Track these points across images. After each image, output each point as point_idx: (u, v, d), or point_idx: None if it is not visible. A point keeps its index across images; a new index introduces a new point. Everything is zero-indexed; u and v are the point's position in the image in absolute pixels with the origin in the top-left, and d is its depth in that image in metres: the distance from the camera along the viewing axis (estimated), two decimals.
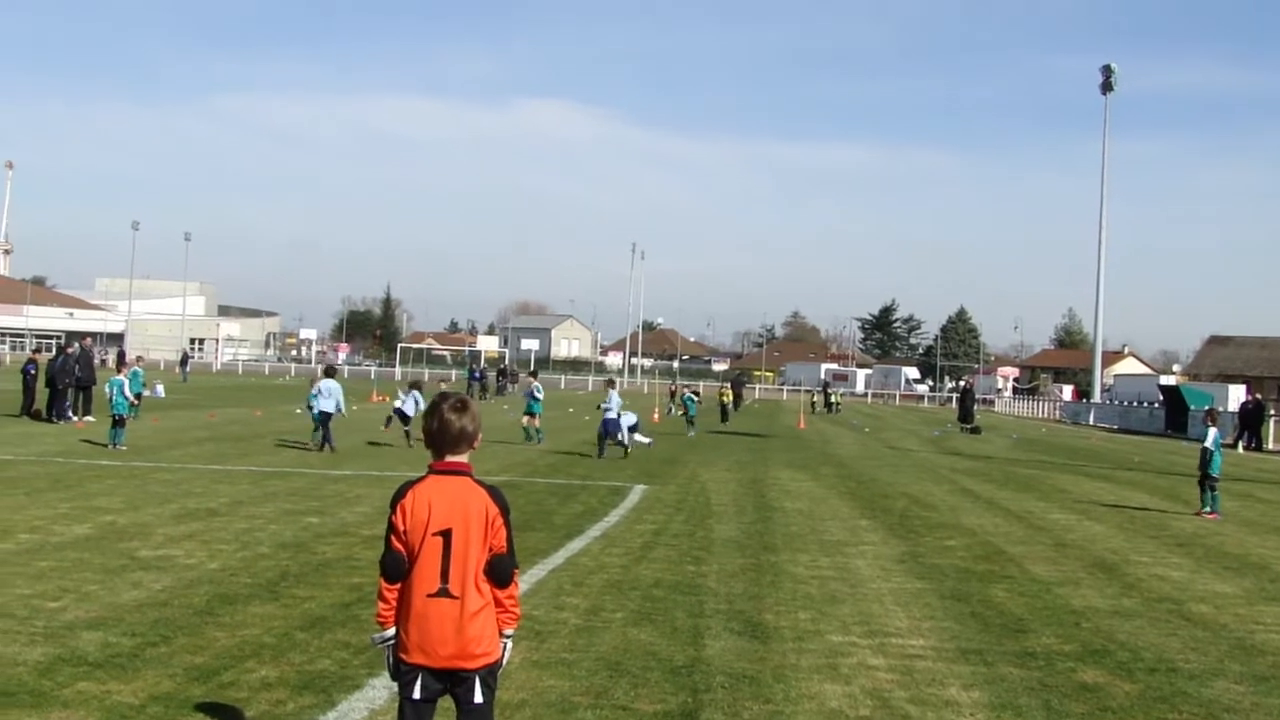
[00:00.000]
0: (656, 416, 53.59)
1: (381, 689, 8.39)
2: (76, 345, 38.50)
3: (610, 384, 34.37)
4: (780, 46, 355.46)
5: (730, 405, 57.70)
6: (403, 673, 5.74)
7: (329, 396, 29.90)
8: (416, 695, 5.73)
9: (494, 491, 5.90)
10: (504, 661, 5.94)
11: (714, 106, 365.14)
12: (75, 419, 35.23)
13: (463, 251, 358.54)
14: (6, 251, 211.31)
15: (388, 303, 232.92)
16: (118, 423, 27.74)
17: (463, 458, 5.90)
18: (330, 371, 32.40)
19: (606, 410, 32.14)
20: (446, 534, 5.68)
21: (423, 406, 30.93)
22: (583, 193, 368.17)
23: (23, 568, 12.68)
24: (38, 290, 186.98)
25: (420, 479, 5.85)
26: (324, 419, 29.74)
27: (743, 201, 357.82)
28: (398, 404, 32.63)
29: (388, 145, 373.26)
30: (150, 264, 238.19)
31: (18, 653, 9.24)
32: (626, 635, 10.68)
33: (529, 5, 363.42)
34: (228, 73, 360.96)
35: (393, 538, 5.75)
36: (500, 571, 5.85)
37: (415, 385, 33.49)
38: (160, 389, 53.55)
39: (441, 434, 5.88)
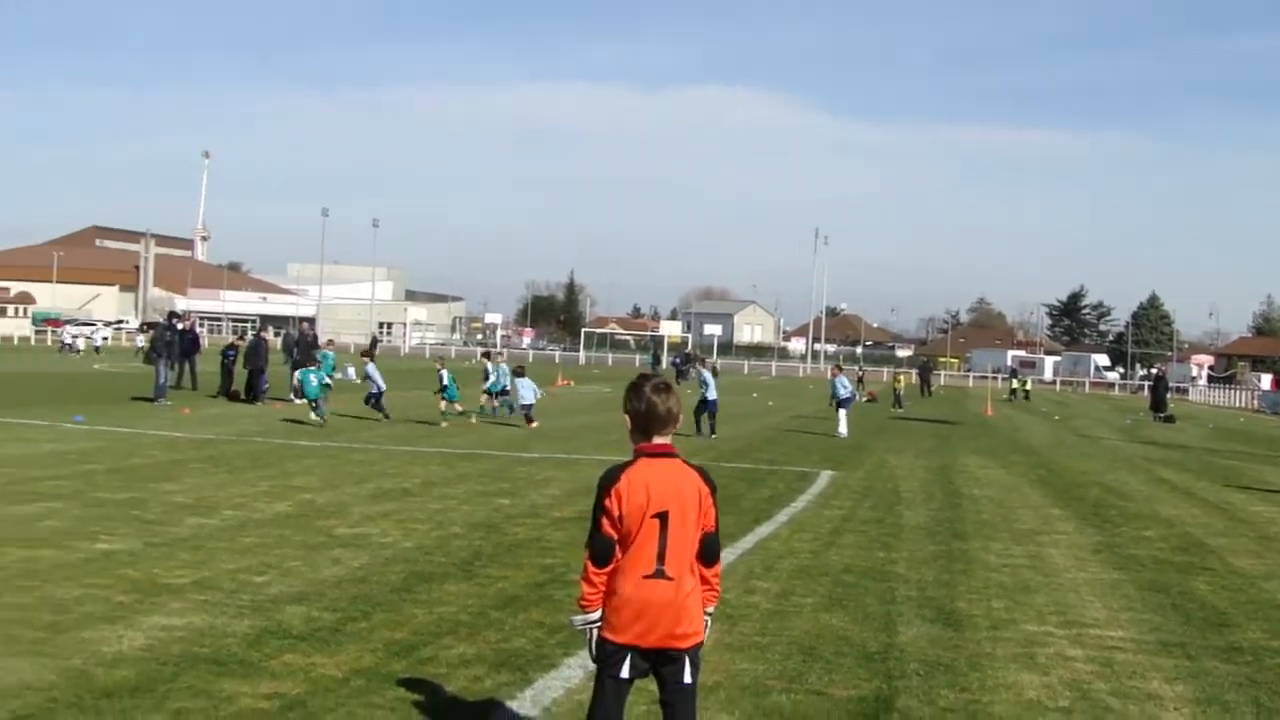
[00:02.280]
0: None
1: (577, 668, 8.47)
2: (298, 329, 39.92)
3: (712, 370, 35.38)
4: (965, 32, 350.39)
5: (903, 392, 57.14)
6: (610, 652, 5.77)
7: (527, 388, 32.47)
8: (625, 674, 5.76)
9: (703, 471, 5.92)
10: (705, 640, 5.97)
11: (900, 92, 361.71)
12: (293, 400, 36.33)
13: (646, 237, 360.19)
14: (204, 238, 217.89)
15: (571, 288, 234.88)
16: (314, 406, 29.24)
17: (668, 439, 5.92)
18: (520, 371, 34.36)
19: (705, 390, 32.58)
20: (663, 516, 5.69)
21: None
22: (766, 178, 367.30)
23: (228, 543, 13.08)
24: (233, 276, 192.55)
25: (631, 463, 5.83)
26: (525, 407, 32.28)
27: (928, 187, 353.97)
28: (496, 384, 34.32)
29: (573, 132, 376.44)
30: (340, 249, 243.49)
31: (226, 624, 9.53)
32: (818, 620, 10.64)
33: None
34: (414, 63, 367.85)
35: (604, 521, 5.73)
36: (711, 550, 5.89)
37: (519, 371, 34.34)
38: (351, 372, 54.63)
39: (649, 416, 5.88)
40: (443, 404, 31.76)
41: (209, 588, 10.82)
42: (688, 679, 5.82)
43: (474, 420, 32.92)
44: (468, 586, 11.42)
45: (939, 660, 9.44)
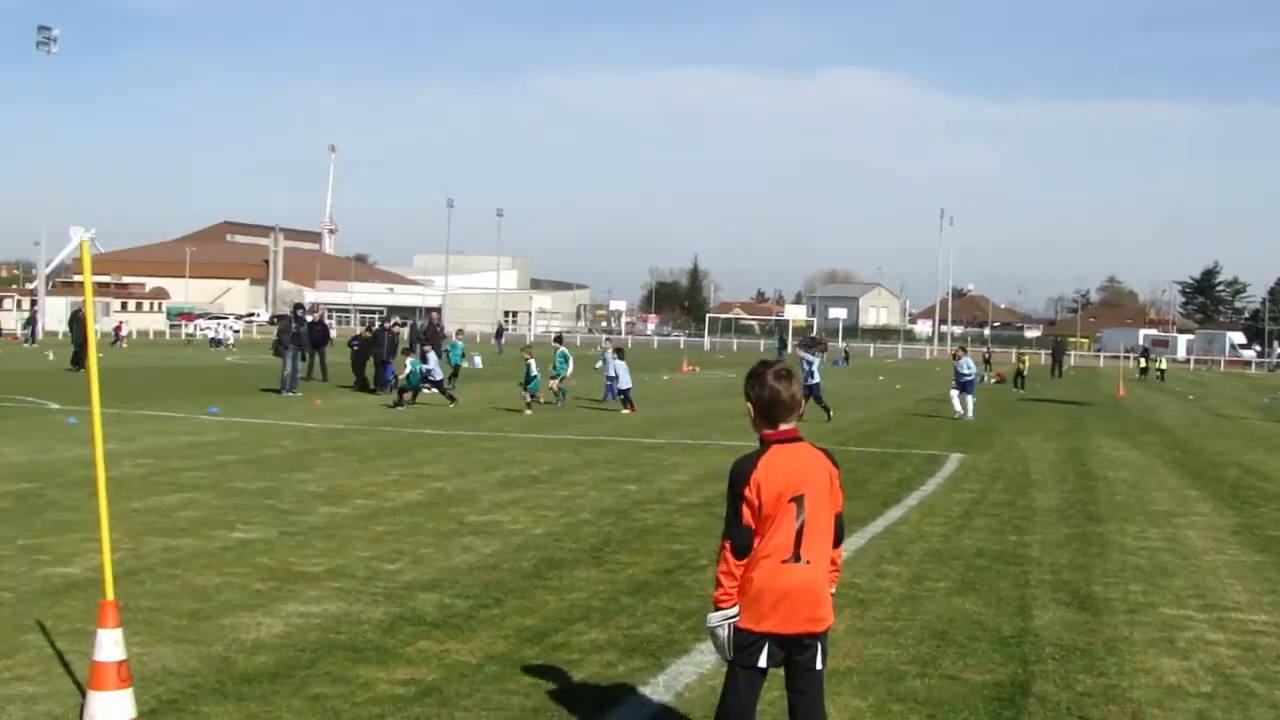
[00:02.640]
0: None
1: (709, 653, 8.44)
2: (425, 319, 40.60)
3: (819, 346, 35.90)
4: (1093, 6, 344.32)
5: (1026, 373, 56.34)
6: (748, 642, 5.72)
7: (624, 374, 32.82)
8: (763, 663, 5.73)
9: (830, 454, 5.91)
10: None
11: (1025, 69, 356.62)
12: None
13: (770, 221, 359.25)
14: (331, 231, 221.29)
15: (695, 273, 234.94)
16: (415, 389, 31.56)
17: (793, 424, 5.89)
18: (620, 353, 34.77)
19: (809, 375, 32.36)
20: (800, 500, 5.67)
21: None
22: (890, 160, 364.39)
23: (361, 531, 13.26)
24: (360, 268, 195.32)
25: (763, 451, 5.79)
26: (624, 392, 32.66)
27: (1055, 164, 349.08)
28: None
29: (694, 117, 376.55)
30: (465, 240, 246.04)
31: (361, 611, 9.66)
32: (951, 604, 10.53)
33: None
34: (537, 52, 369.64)
35: (745, 511, 5.67)
36: (839, 532, 5.90)
37: (619, 351, 34.70)
38: (479, 360, 55.19)
39: (773, 403, 5.84)
40: (526, 395, 31.44)
41: (343, 575, 10.97)
42: (819, 664, 5.80)
43: (560, 405, 33.05)
44: (598, 573, 11.46)
45: (1075, 645, 9.30)
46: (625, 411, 31.77)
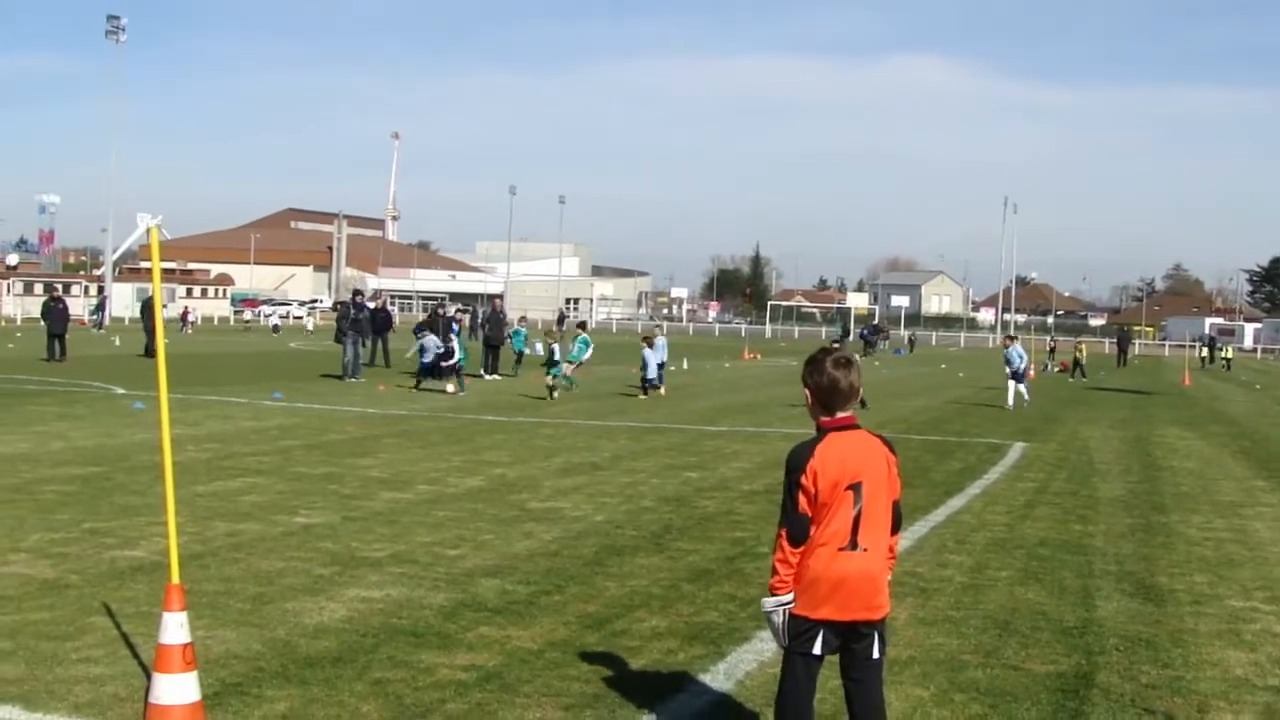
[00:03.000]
0: (1032, 373, 52.18)
1: (769, 641, 8.39)
2: (489, 305, 40.67)
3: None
4: None
5: (1084, 362, 55.76)
6: (804, 629, 5.71)
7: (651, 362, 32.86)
8: (818, 650, 5.72)
9: (887, 441, 5.90)
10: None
11: (1090, 54, 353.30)
12: (485, 376, 36.90)
13: (831, 208, 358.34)
14: (394, 218, 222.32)
15: (756, 260, 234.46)
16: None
17: (850, 413, 5.86)
18: (649, 341, 34.05)
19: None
20: (857, 488, 5.65)
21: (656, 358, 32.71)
22: (953, 147, 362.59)
23: (423, 517, 13.32)
24: (423, 254, 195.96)
25: (820, 438, 5.77)
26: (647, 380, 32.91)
27: (1119, 150, 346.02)
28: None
29: (756, 104, 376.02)
30: (527, 227, 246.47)
31: (423, 597, 9.71)
32: (1014, 594, 10.46)
33: None
34: (599, 37, 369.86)
35: (802, 498, 5.67)
36: (897, 519, 5.88)
37: (648, 340, 34.17)
38: (539, 347, 55.24)
39: (831, 390, 5.82)
40: (549, 379, 30.89)
41: (405, 561, 11.03)
42: (877, 653, 5.78)
43: (556, 394, 31.10)
44: (659, 560, 11.47)
45: (1140, 636, 9.22)
46: (642, 396, 32.08)
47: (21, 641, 8.11)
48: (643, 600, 9.84)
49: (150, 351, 43.24)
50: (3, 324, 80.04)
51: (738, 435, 23.30)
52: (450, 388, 30.85)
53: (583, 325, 39.68)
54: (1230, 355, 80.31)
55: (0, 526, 11.92)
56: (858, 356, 6.27)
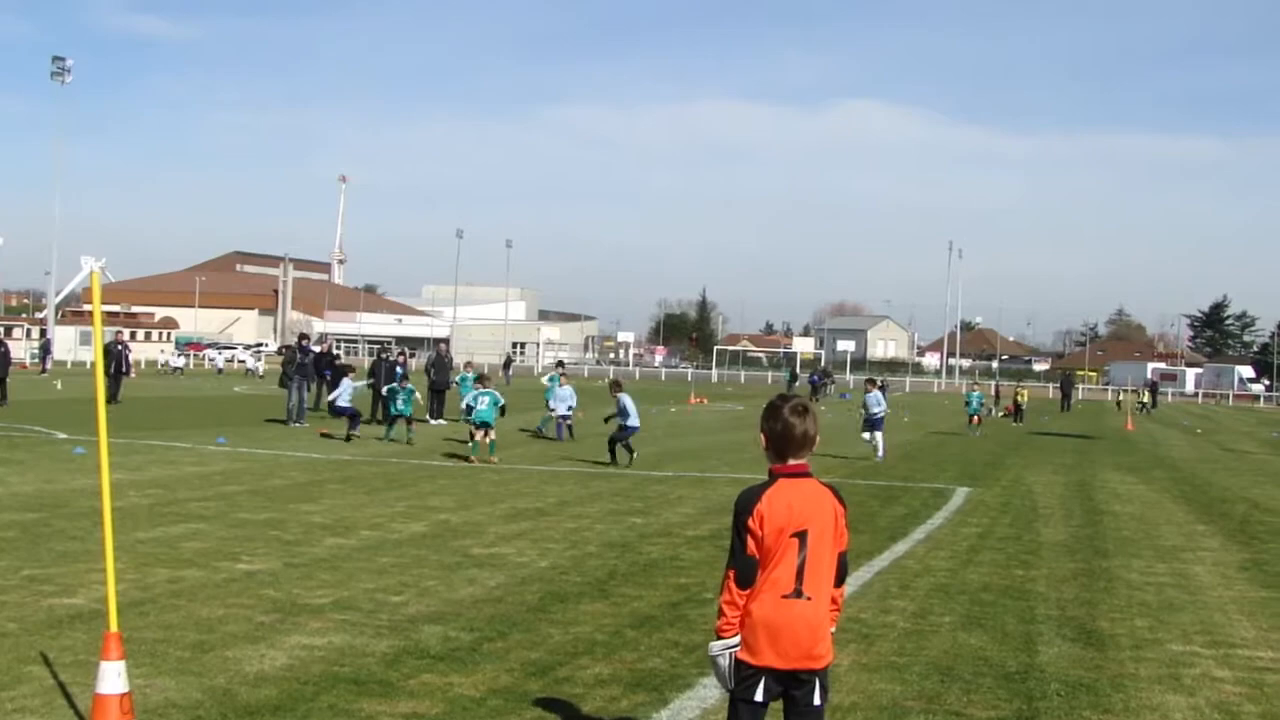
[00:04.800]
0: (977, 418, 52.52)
1: (713, 688, 8.42)
2: (434, 350, 40.57)
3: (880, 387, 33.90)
4: (1101, 39, 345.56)
5: (1025, 405, 56.12)
6: (746, 675, 5.73)
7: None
8: (759, 698, 5.73)
9: (836, 490, 5.93)
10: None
11: (1033, 103, 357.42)
12: (430, 421, 36.66)
13: (777, 254, 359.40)
14: (340, 261, 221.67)
15: (703, 305, 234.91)
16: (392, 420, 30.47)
17: (804, 460, 5.90)
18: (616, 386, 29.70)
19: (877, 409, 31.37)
20: (802, 536, 5.68)
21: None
22: (898, 192, 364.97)
23: (366, 563, 13.25)
24: (369, 297, 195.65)
25: (770, 483, 5.82)
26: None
27: (1062, 198, 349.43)
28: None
29: (701, 149, 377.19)
30: (473, 270, 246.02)
31: (365, 644, 9.65)
32: (956, 640, 10.50)
33: (847, 6, 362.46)
34: (546, 82, 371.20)
35: (749, 541, 5.70)
36: (842, 571, 5.89)
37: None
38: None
39: (786, 437, 5.86)
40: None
41: (348, 608, 10.96)
42: (818, 700, 5.78)
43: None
44: (603, 606, 11.45)
45: (1081, 681, 9.27)
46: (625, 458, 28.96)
47: None
48: (586, 647, 9.82)
49: (113, 396, 42.62)
50: None
51: (683, 480, 23.30)
52: (393, 434, 29.75)
53: (560, 364, 39.47)
54: (1146, 400, 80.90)
55: None
56: (814, 401, 6.30)
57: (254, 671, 8.72)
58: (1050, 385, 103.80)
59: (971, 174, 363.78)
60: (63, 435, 28.34)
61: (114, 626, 6.87)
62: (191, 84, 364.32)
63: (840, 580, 5.90)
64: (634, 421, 26.38)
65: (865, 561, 14.15)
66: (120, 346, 46.06)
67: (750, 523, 5.69)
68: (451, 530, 15.87)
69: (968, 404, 44.52)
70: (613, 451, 25.92)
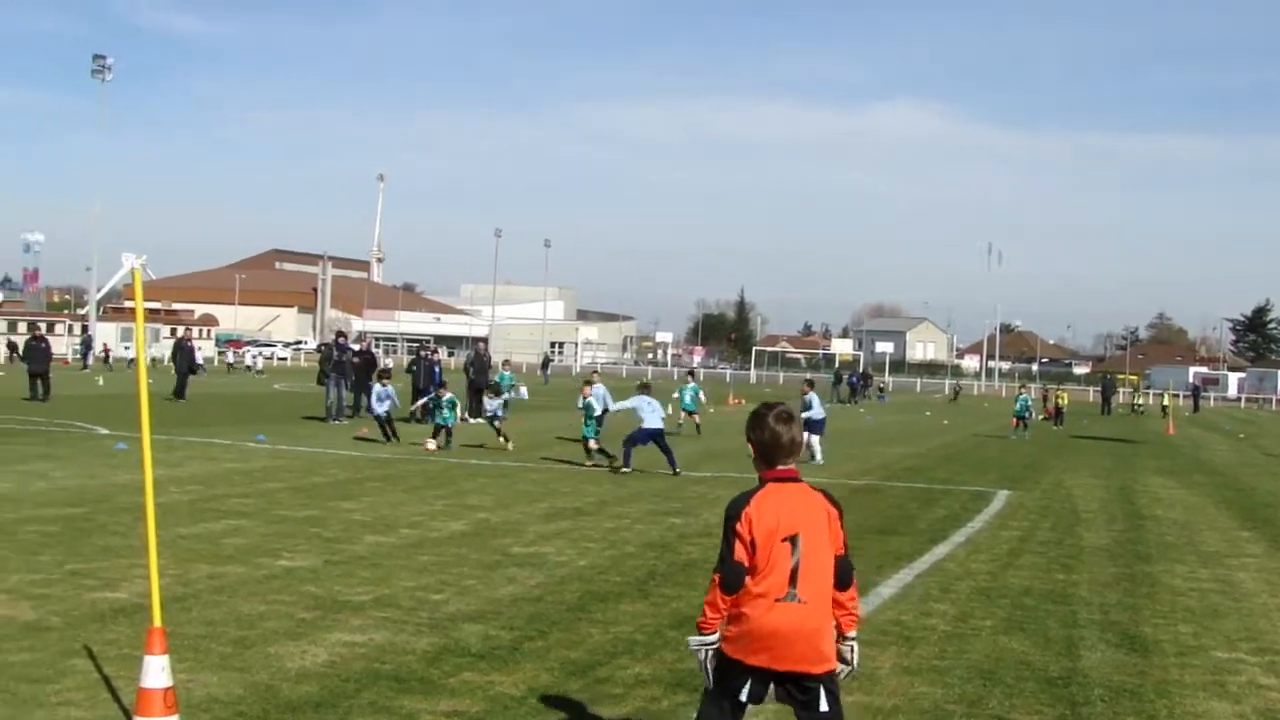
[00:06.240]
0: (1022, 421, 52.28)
1: None
2: (473, 349, 40.71)
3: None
4: (1144, 37, 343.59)
5: (1065, 408, 55.88)
6: (736, 674, 5.74)
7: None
8: (744, 697, 5.75)
9: (828, 494, 5.94)
10: (855, 664, 5.98)
11: (1078, 103, 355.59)
12: (470, 420, 36.65)
13: (816, 254, 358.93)
14: (379, 260, 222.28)
15: (742, 306, 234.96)
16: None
17: (791, 465, 5.91)
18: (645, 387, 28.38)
19: (810, 411, 28.91)
20: (794, 539, 5.69)
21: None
22: (939, 194, 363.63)
23: (406, 561, 13.27)
24: (408, 296, 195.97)
25: (758, 489, 5.86)
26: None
27: (1105, 199, 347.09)
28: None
29: (742, 150, 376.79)
30: (512, 270, 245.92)
31: (406, 642, 9.66)
32: (998, 644, 10.44)
33: (878, 6, 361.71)
34: (587, 84, 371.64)
35: (738, 546, 5.73)
36: (843, 574, 5.87)
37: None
38: (524, 391, 55.17)
39: (774, 445, 5.91)
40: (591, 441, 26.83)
41: (388, 605, 10.98)
42: (824, 707, 5.73)
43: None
44: (643, 606, 11.44)
45: (1124, 686, 9.21)
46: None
47: (1, 684, 8.05)
48: (626, 647, 9.81)
49: (180, 393, 42.76)
50: None
51: (722, 480, 23.26)
52: (431, 444, 29.31)
53: (506, 362, 39.12)
54: (1159, 402, 79.40)
55: None
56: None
57: (295, 668, 8.74)
58: (1090, 389, 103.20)
59: (1011, 175, 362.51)
60: (104, 431, 28.54)
61: (157, 621, 6.89)
62: (230, 81, 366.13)
63: (845, 584, 5.89)
64: (652, 423, 24.82)
65: (905, 564, 14.11)
66: (188, 344, 46.20)
67: (739, 527, 5.74)
68: (491, 529, 15.88)
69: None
70: (627, 451, 24.59)
